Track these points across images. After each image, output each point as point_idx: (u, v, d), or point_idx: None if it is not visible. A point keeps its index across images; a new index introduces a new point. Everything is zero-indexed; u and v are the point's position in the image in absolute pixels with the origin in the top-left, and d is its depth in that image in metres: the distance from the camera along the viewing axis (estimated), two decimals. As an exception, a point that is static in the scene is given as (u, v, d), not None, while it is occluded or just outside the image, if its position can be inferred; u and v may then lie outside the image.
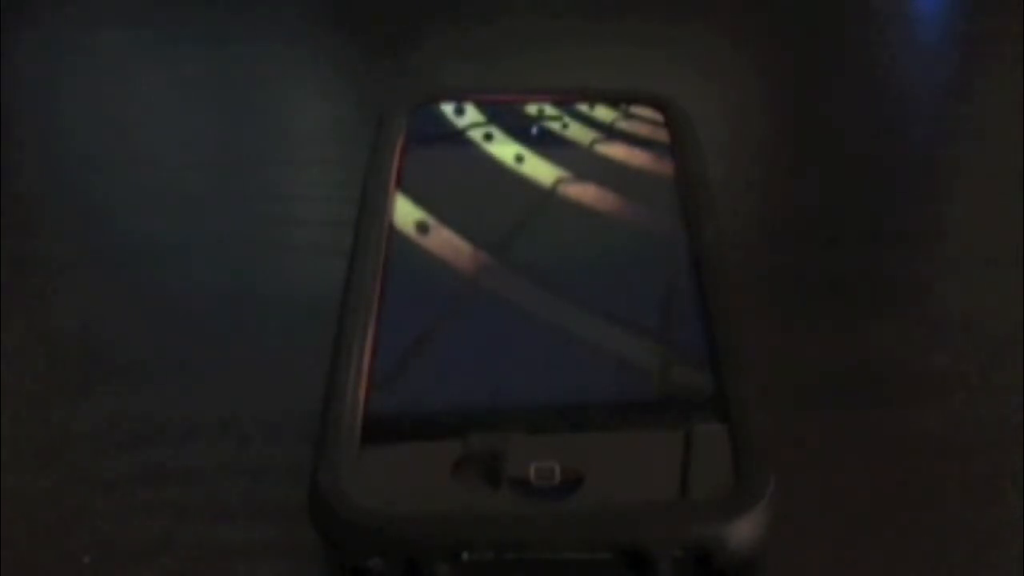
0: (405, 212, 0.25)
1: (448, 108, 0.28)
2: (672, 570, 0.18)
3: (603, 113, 0.28)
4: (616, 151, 0.27)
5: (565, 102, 0.29)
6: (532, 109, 0.29)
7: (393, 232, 0.24)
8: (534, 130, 0.28)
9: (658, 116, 0.28)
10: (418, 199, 0.25)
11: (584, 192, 0.26)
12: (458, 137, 0.28)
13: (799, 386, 0.24)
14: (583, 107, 0.29)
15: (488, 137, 0.27)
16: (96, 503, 0.21)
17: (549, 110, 0.28)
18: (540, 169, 0.26)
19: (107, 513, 0.21)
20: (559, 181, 0.26)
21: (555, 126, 0.28)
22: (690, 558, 0.18)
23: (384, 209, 0.25)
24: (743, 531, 0.18)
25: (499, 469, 0.19)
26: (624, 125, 0.28)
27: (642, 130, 0.28)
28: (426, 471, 0.19)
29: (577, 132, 0.28)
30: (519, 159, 0.27)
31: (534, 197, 0.26)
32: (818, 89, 0.35)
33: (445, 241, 0.24)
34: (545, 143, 0.27)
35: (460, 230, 0.24)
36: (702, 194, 0.25)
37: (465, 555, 0.18)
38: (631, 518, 0.18)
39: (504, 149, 0.27)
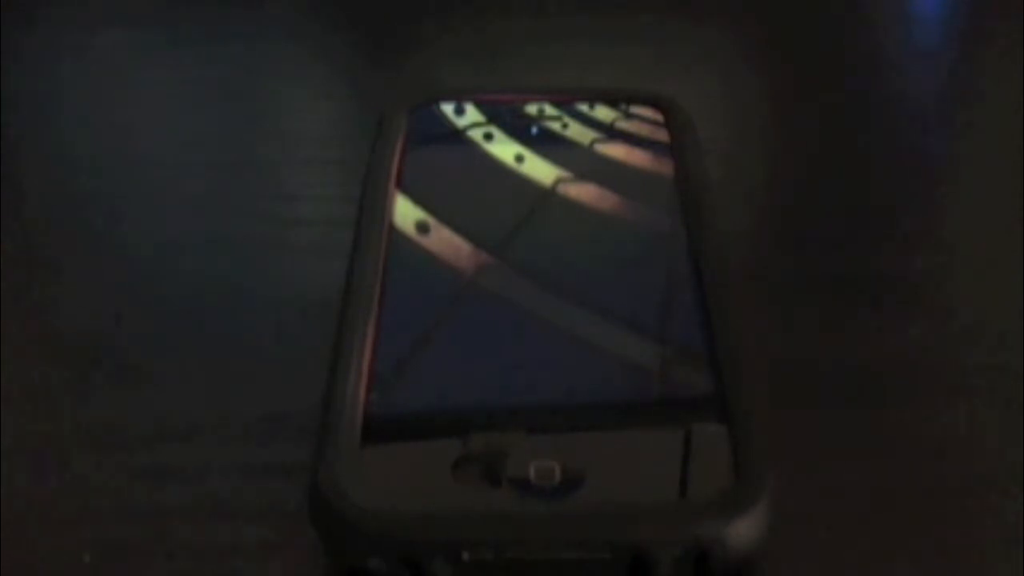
0: (405, 212, 0.25)
1: (448, 108, 0.28)
2: (672, 570, 0.18)
3: (603, 113, 0.28)
4: (616, 151, 0.27)
5: (565, 102, 0.29)
6: (532, 109, 0.29)
7: (393, 232, 0.24)
8: (534, 130, 0.28)
9: (658, 116, 0.28)
10: (418, 199, 0.25)
11: (584, 192, 0.26)
12: (458, 137, 0.28)
13: (799, 386, 0.24)
14: (583, 107, 0.29)
15: (488, 137, 0.27)
16: (96, 503, 0.21)
17: (549, 110, 0.28)
18: (540, 169, 0.26)
19: (107, 513, 0.21)
20: (559, 181, 0.26)
21: (555, 126, 0.28)
22: (690, 558, 0.18)
23: (384, 209, 0.25)
24: (743, 531, 0.18)
25: (499, 469, 0.19)
26: (624, 125, 0.28)
27: (642, 130, 0.28)
28: (426, 471, 0.19)
29: (577, 132, 0.28)
30: (519, 159, 0.27)
31: (534, 197, 0.26)
32: (818, 89, 0.35)
33: (445, 241, 0.24)
34: (545, 143, 0.27)
35: (460, 230, 0.24)
36: (702, 194, 0.25)
37: (465, 555, 0.18)
38: (631, 518, 0.18)
39: (504, 149, 0.27)
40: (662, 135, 0.28)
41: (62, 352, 0.25)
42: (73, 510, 0.21)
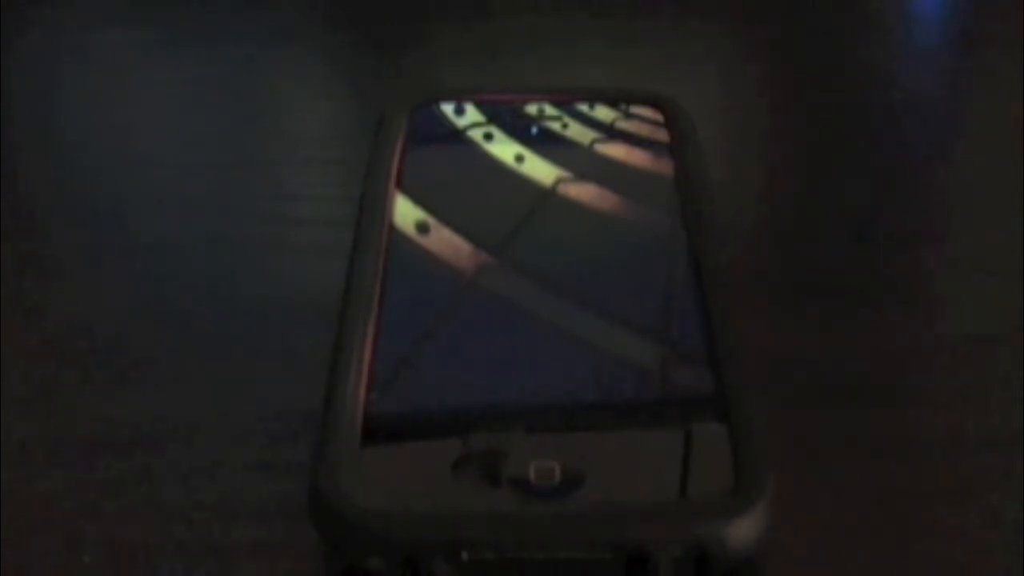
0: (405, 212, 0.25)
1: (448, 108, 0.28)
2: (672, 570, 0.18)
3: (603, 113, 0.28)
4: (616, 151, 0.27)
5: (565, 102, 0.29)
6: (532, 109, 0.29)
7: (393, 232, 0.24)
8: (534, 130, 0.28)
9: (658, 116, 0.28)
10: (418, 199, 0.25)
11: (584, 192, 0.26)
12: (458, 137, 0.28)
13: (799, 386, 0.24)
14: (583, 107, 0.29)
15: (488, 137, 0.27)
16: (96, 503, 0.21)
17: (549, 110, 0.28)
18: (540, 169, 0.26)
19: (107, 513, 0.21)
20: (559, 181, 0.26)
21: (555, 126, 0.28)
22: (690, 558, 0.18)
23: (384, 209, 0.25)
24: (743, 531, 0.18)
25: (499, 469, 0.19)
26: (624, 125, 0.28)
27: (642, 130, 0.28)
28: (426, 471, 0.19)
29: (577, 132, 0.28)
30: (519, 159, 0.27)
31: (534, 197, 0.26)
32: (818, 89, 0.35)
33: (445, 241, 0.24)
34: (545, 143, 0.27)
35: (460, 230, 0.24)
36: (702, 194, 0.25)
37: (465, 555, 0.18)
38: (631, 518, 0.18)
39: (504, 149, 0.27)
40: (662, 135, 0.28)
41: (62, 352, 0.25)
42: (73, 510, 0.21)
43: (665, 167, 0.26)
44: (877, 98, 0.34)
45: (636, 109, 0.28)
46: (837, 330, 0.25)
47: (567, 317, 0.22)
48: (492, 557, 0.18)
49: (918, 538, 0.21)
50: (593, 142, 0.27)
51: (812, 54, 0.37)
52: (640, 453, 0.19)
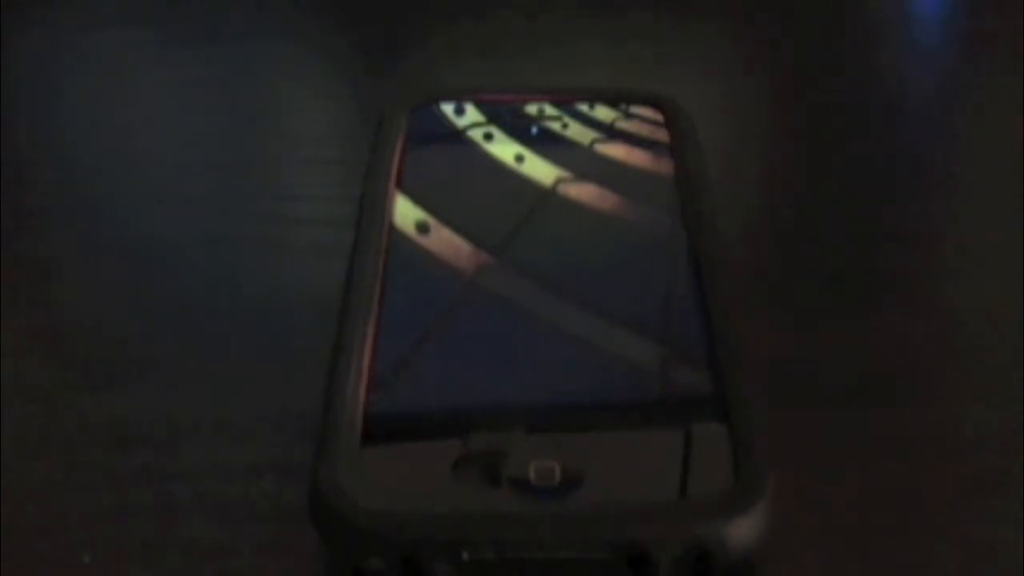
0: (405, 212, 0.25)
1: (448, 108, 0.28)
2: (672, 570, 0.18)
3: (603, 113, 0.28)
4: (616, 151, 0.27)
5: (565, 102, 0.29)
6: (532, 109, 0.29)
7: (393, 232, 0.24)
8: (534, 130, 0.28)
9: (658, 116, 0.28)
10: (418, 199, 0.25)
11: (584, 192, 0.26)
12: (458, 137, 0.28)
13: (799, 386, 0.24)
14: (583, 107, 0.29)
15: (488, 137, 0.27)
16: (96, 503, 0.21)
17: (549, 110, 0.28)
18: (540, 169, 0.26)
19: (107, 513, 0.21)
20: (559, 181, 0.26)
21: (555, 126, 0.28)
22: (690, 558, 0.18)
23: (384, 209, 0.25)
24: (743, 531, 0.18)
25: (499, 469, 0.19)
26: (624, 125, 0.28)
27: (642, 130, 0.28)
28: (426, 471, 0.19)
29: (577, 132, 0.28)
30: (519, 159, 0.27)
31: (534, 197, 0.26)
32: (818, 89, 0.35)
33: (445, 241, 0.24)
34: (545, 143, 0.27)
35: (460, 230, 0.24)
36: (702, 194, 0.25)
37: (465, 555, 0.18)
38: (631, 518, 0.18)
39: (504, 149, 0.27)
40: (662, 135, 0.28)
41: (62, 352, 0.25)
42: (73, 509, 0.21)
43: (665, 167, 0.26)
44: (877, 98, 0.34)
45: (636, 109, 0.28)
46: (837, 330, 0.25)
47: (567, 317, 0.22)
48: (492, 557, 0.18)
49: (918, 538, 0.21)
50: (593, 142, 0.27)
51: (812, 54, 0.37)
52: (640, 453, 0.19)
